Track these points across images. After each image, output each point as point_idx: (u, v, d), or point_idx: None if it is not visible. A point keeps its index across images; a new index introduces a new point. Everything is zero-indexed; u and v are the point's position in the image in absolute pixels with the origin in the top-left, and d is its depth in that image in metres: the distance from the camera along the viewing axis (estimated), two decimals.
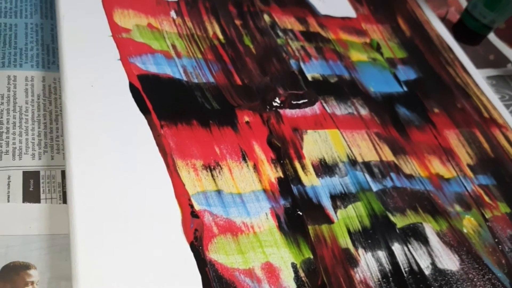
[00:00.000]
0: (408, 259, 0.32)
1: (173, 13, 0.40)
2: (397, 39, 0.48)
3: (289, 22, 0.44)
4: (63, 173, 0.31)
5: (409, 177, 0.37)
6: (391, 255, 0.32)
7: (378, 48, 0.46)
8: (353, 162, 0.36)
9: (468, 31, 0.53)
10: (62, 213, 0.29)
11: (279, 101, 0.37)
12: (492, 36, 0.56)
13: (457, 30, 0.53)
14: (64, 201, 0.30)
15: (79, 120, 0.30)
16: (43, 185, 0.30)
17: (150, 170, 0.30)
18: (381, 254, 0.32)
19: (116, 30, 0.36)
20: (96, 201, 0.27)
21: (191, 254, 0.27)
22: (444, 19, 0.55)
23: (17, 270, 0.27)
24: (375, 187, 0.35)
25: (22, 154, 0.31)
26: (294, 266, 0.29)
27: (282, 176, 0.33)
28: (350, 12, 0.48)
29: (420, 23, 0.51)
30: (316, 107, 0.38)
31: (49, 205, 0.29)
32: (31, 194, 0.30)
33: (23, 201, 0.29)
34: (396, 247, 0.32)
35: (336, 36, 0.45)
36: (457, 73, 0.48)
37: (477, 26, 0.52)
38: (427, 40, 0.50)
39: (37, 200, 0.29)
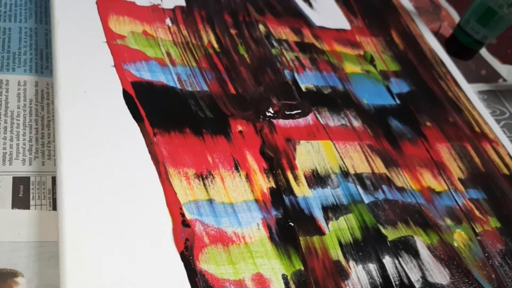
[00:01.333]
0: (398, 272, 0.32)
1: (168, 21, 0.39)
2: (391, 52, 0.48)
3: (284, 32, 0.44)
4: (54, 180, 0.30)
5: (401, 190, 0.37)
6: (382, 268, 0.32)
7: (371, 61, 0.46)
8: (345, 174, 0.36)
9: (460, 46, 0.53)
10: (52, 220, 0.29)
11: (272, 111, 0.37)
12: (484, 52, 0.57)
13: (449, 44, 0.54)
14: (54, 208, 0.29)
15: (71, 126, 0.30)
16: (33, 191, 0.30)
17: (142, 178, 0.30)
18: (372, 267, 0.31)
19: (110, 37, 0.36)
20: (87, 209, 0.27)
21: (181, 264, 0.27)
22: (437, 34, 0.56)
23: (4, 277, 0.26)
24: (367, 199, 0.35)
25: (13, 159, 0.31)
26: (284, 277, 0.29)
27: (274, 186, 0.33)
28: (345, 24, 0.49)
29: (413, 37, 0.52)
30: (310, 118, 0.38)
31: (39, 211, 0.29)
32: (20, 200, 0.29)
33: (12, 207, 0.29)
34: (387, 260, 0.32)
35: (331, 47, 0.45)
36: (449, 87, 0.48)
37: (469, 41, 0.52)
38: (420, 53, 0.50)
39: (26, 206, 0.29)
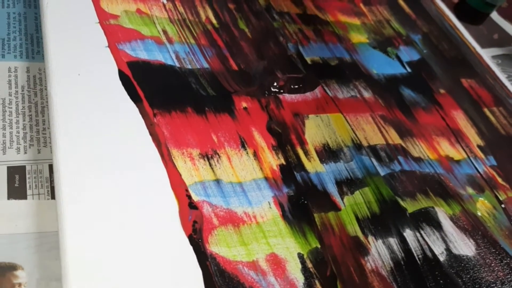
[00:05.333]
0: (421, 245, 0.30)
1: None
2: (398, 20, 0.46)
3: (284, 5, 0.42)
4: (51, 167, 0.29)
5: (418, 160, 0.35)
6: (403, 241, 0.30)
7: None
8: (358, 147, 0.34)
9: (470, 9, 0.51)
10: (51, 209, 0.27)
11: (278, 86, 0.35)
12: (495, 15, 0.54)
13: (459, 9, 0.52)
14: (53, 196, 0.28)
15: (66, 111, 0.28)
16: (30, 180, 0.28)
17: (143, 161, 0.28)
18: (393, 241, 0.30)
19: (103, 17, 0.34)
20: (86, 196, 0.25)
21: (190, 247, 0.25)
22: None
23: (3, 271, 0.25)
24: (382, 171, 0.33)
25: (6, 148, 0.29)
26: (301, 256, 0.27)
27: (284, 163, 0.31)
28: None
29: (420, 3, 0.49)
30: (317, 91, 0.36)
31: (37, 201, 0.27)
32: (16, 190, 0.28)
33: (8, 198, 0.27)
34: (408, 233, 0.30)
35: (335, 18, 0.43)
36: (462, 53, 0.46)
37: (480, 4, 0.50)
38: (429, 20, 0.48)
39: (23, 196, 0.27)
